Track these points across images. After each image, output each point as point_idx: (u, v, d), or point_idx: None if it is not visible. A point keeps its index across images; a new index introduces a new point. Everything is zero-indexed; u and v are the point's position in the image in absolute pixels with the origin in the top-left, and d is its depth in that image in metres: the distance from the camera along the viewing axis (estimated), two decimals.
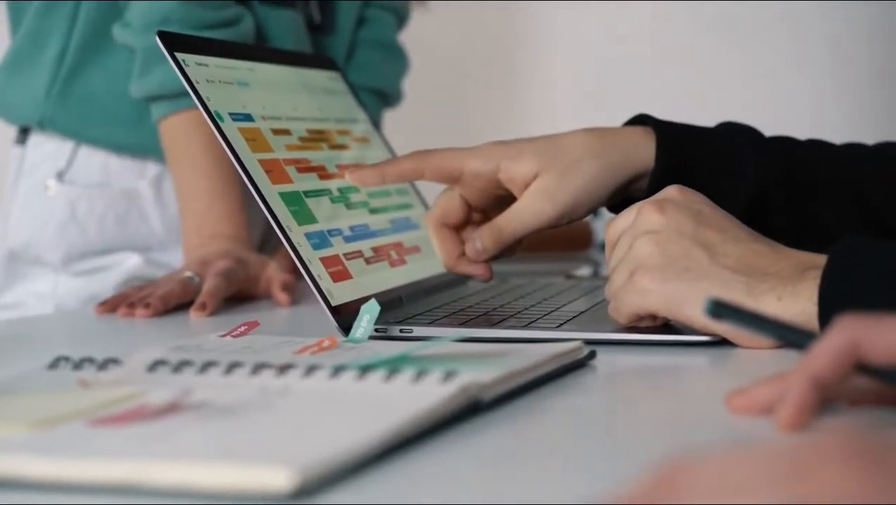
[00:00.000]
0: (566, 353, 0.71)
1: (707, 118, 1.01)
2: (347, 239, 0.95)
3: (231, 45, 1.01)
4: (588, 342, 0.75)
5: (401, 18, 1.52)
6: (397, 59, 1.51)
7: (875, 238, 0.93)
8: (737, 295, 0.74)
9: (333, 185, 0.99)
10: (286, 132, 0.98)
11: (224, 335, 0.82)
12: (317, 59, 1.16)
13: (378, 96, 1.47)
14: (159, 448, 0.51)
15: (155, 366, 0.67)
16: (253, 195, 0.87)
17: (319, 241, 0.91)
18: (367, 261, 0.96)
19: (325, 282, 0.88)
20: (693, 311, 0.76)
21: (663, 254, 0.77)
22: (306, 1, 1.41)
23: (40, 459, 0.50)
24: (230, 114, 0.91)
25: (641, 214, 0.79)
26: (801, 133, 1.02)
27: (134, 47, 1.27)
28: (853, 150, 1.00)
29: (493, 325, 0.86)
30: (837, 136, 1.03)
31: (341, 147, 1.06)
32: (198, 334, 0.83)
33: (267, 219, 0.87)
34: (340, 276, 0.90)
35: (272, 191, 0.89)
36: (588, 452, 0.55)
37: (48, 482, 0.49)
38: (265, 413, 0.57)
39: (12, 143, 1.42)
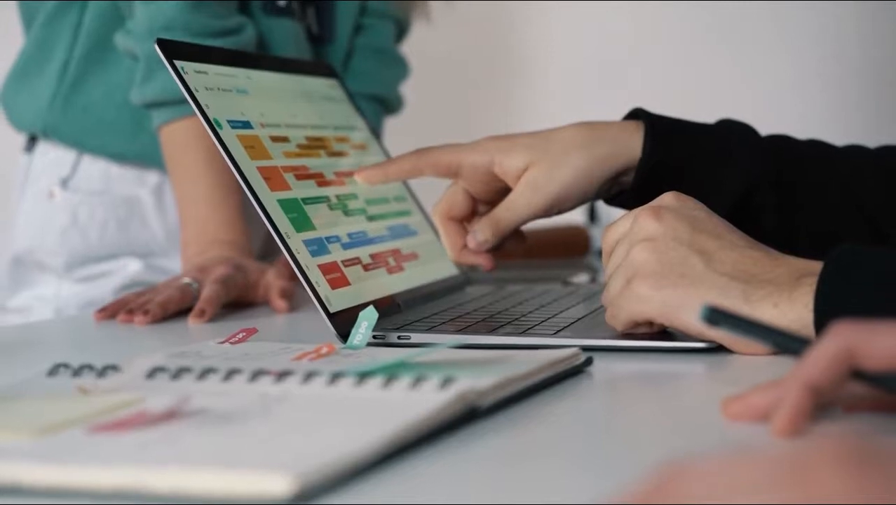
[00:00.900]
0: (563, 359, 0.71)
1: (707, 118, 1.02)
2: (345, 246, 0.96)
3: (230, 52, 1.01)
4: (585, 349, 0.76)
5: (400, 26, 1.52)
6: (395, 65, 1.51)
7: (869, 243, 0.94)
8: (733, 302, 0.74)
9: (332, 192, 0.99)
10: (285, 139, 0.98)
11: (223, 342, 0.82)
12: (315, 67, 1.16)
13: (377, 102, 1.47)
14: (158, 455, 0.51)
15: (154, 373, 0.67)
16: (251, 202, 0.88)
17: (317, 248, 0.91)
18: (365, 267, 0.97)
19: (324, 289, 0.88)
20: (689, 317, 0.76)
21: (660, 261, 0.77)
22: (305, 11, 1.42)
23: (40, 465, 0.50)
24: (229, 121, 0.92)
25: (638, 221, 0.79)
26: (802, 133, 1.02)
27: (137, 54, 1.28)
28: (852, 153, 1.00)
29: (490, 331, 0.86)
30: (835, 138, 1.03)
31: (340, 154, 1.06)
32: (196, 341, 0.83)
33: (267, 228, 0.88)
34: (338, 282, 0.91)
35: (271, 198, 0.90)
36: (585, 458, 0.56)
37: (47, 489, 0.49)
38: (264, 420, 0.58)
39: (21, 151, 1.44)
